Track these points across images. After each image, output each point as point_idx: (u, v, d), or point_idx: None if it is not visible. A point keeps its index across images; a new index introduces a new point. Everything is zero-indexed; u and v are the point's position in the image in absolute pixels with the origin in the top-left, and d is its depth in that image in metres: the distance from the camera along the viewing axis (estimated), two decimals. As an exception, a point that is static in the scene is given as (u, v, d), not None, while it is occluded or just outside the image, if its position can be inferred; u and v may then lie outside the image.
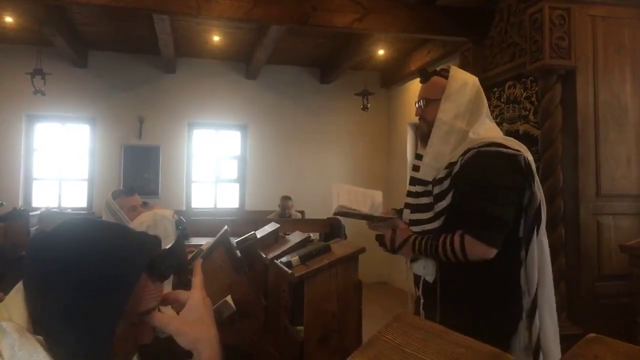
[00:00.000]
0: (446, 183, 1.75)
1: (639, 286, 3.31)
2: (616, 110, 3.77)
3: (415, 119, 1.99)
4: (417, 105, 1.95)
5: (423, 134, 1.90)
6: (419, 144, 1.96)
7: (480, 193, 1.66)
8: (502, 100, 4.40)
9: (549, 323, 1.74)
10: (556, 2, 3.72)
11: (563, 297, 3.61)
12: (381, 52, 6.88)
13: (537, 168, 3.83)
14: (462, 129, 1.79)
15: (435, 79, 1.90)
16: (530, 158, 1.76)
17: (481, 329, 1.43)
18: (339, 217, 1.96)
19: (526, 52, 3.94)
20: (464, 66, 4.93)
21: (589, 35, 3.76)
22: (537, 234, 1.72)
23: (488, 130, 1.82)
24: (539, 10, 3.77)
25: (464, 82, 1.84)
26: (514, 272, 1.72)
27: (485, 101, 1.88)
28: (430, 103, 1.88)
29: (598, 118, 3.72)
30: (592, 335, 0.77)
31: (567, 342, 3.54)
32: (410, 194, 1.90)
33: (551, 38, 3.69)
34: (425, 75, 1.96)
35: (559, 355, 1.76)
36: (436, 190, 1.78)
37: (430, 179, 1.82)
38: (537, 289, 1.70)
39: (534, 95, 3.99)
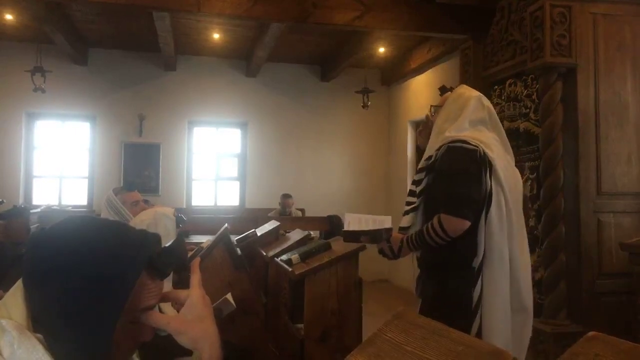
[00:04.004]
0: (424, 172, 2.18)
1: (639, 284, 3.31)
2: (617, 108, 3.76)
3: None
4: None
5: (428, 134, 2.31)
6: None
7: (446, 179, 2.04)
8: (503, 98, 4.39)
9: (492, 299, 2.01)
10: (557, -1, 3.72)
11: (563, 295, 3.61)
12: (381, 49, 6.88)
13: (538, 166, 3.84)
14: (447, 129, 2.17)
15: (447, 93, 2.35)
16: (492, 154, 2.07)
17: (443, 296, 2.01)
18: (347, 239, 2.21)
19: (527, 49, 3.94)
20: (464, 64, 4.93)
21: (589, 32, 3.75)
22: (487, 218, 2.01)
23: (470, 133, 2.13)
24: (539, 7, 3.76)
25: (459, 94, 2.26)
26: (468, 250, 2.01)
27: (474, 112, 2.19)
28: (435, 110, 2.33)
29: (599, 116, 3.72)
30: (592, 333, 0.77)
31: (567, 340, 3.55)
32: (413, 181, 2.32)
33: (552, 36, 3.68)
34: (443, 90, 2.41)
35: (502, 332, 2.00)
36: (417, 177, 2.21)
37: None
38: (482, 264, 2.01)
39: (535, 93, 3.99)
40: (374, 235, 2.12)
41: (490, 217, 2.02)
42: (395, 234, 2.15)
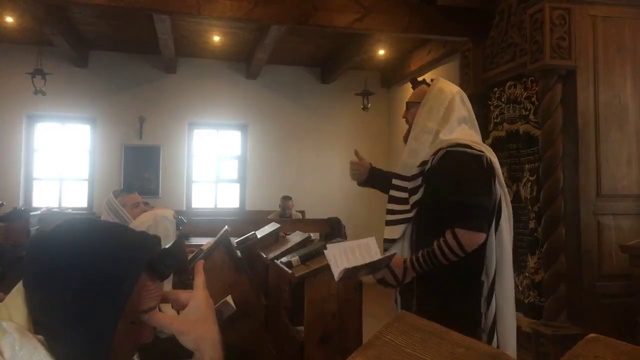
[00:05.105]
0: (419, 179, 1.97)
1: (639, 286, 3.31)
2: (617, 110, 3.76)
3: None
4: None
5: (406, 134, 2.15)
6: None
7: (456, 188, 1.84)
8: (503, 100, 4.39)
9: (506, 311, 1.94)
10: (557, 2, 3.72)
11: (563, 297, 3.61)
12: (381, 52, 6.89)
13: (537, 168, 3.84)
14: (434, 129, 2.00)
15: (422, 87, 2.16)
16: (494, 159, 1.96)
17: (449, 313, 1.73)
18: (345, 277, 1.93)
19: (527, 52, 3.94)
20: (464, 66, 4.94)
21: (589, 35, 3.76)
22: (497, 228, 1.91)
23: (458, 133, 1.99)
24: (539, 10, 3.77)
25: (440, 90, 2.06)
26: (476, 263, 1.89)
27: (459, 109, 2.04)
28: (411, 107, 2.13)
29: (598, 118, 3.72)
30: (592, 335, 0.77)
31: (567, 342, 3.55)
32: (393, 186, 2.14)
33: (551, 38, 3.68)
34: (415, 83, 2.23)
35: (514, 340, 1.97)
36: (411, 185, 2.00)
37: (408, 174, 2.03)
38: (494, 278, 1.90)
39: (535, 95, 3.99)
40: (375, 266, 1.88)
41: (501, 227, 1.92)
42: (395, 258, 1.91)
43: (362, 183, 2.32)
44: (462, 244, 1.78)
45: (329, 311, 2.49)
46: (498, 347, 1.89)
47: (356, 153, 2.36)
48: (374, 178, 2.31)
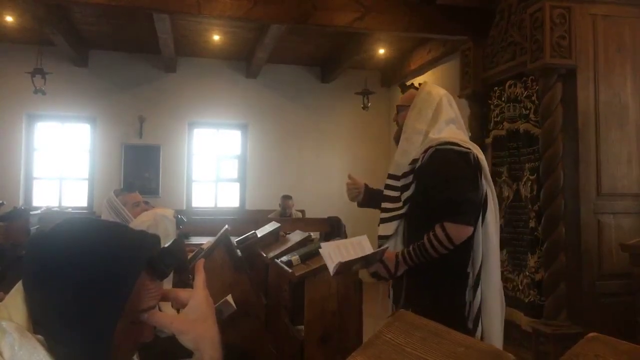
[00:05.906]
0: (410, 177, 2.08)
1: (639, 285, 3.31)
2: (617, 109, 3.76)
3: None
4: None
5: (397, 136, 2.24)
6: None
7: (444, 186, 1.95)
8: (503, 99, 4.39)
9: (491, 302, 2.02)
10: (557, 0, 3.71)
11: (563, 296, 3.61)
12: (382, 51, 6.88)
13: (538, 167, 3.84)
14: (423, 130, 2.10)
15: (411, 90, 2.27)
16: (481, 156, 2.06)
17: (439, 306, 1.86)
18: (340, 272, 2.00)
19: (527, 51, 3.94)
20: (464, 65, 4.93)
21: (589, 34, 3.75)
22: (483, 222, 2.00)
23: (447, 132, 2.09)
24: (539, 9, 3.76)
25: (428, 93, 2.18)
26: (463, 255, 1.98)
27: (447, 111, 2.14)
28: (401, 110, 2.25)
29: (599, 117, 3.72)
30: (592, 334, 0.77)
31: (567, 341, 3.56)
32: (386, 186, 2.24)
33: (552, 37, 3.68)
34: (403, 87, 2.35)
35: (500, 332, 2.05)
36: (402, 182, 2.11)
37: (399, 174, 2.13)
38: (480, 269, 1.99)
39: (535, 94, 3.98)
40: (368, 260, 1.97)
41: (487, 221, 2.01)
42: (388, 252, 2.02)
43: (361, 204, 2.46)
44: (450, 237, 1.88)
45: (329, 310, 2.49)
46: (482, 336, 1.97)
47: (350, 176, 2.51)
48: (371, 198, 2.41)
